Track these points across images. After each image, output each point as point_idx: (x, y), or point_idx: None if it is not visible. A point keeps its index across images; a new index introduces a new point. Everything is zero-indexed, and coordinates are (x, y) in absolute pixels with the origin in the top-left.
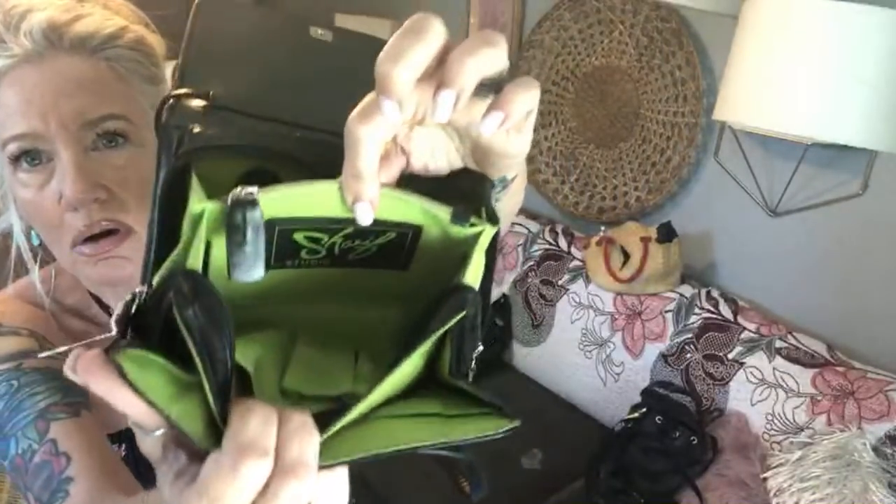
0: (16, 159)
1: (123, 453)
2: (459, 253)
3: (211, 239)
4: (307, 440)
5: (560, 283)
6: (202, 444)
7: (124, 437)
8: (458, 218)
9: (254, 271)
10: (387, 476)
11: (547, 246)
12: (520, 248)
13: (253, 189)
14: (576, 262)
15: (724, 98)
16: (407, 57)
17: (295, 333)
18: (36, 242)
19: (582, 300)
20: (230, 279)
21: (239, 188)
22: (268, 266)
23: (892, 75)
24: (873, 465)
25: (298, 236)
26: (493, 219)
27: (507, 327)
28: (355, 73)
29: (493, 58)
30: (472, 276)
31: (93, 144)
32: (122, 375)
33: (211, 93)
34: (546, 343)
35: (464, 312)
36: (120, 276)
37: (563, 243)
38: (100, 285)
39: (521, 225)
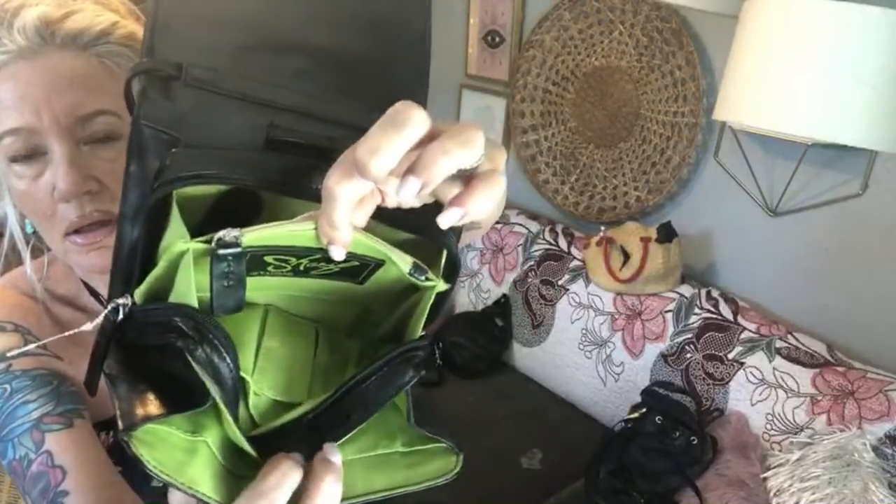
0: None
1: (111, 440)
2: (413, 284)
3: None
4: (337, 454)
5: (560, 283)
6: (214, 499)
7: (112, 425)
8: (415, 272)
9: (236, 306)
10: None
11: (547, 246)
12: (520, 248)
13: (236, 233)
14: (576, 262)
15: (724, 98)
16: (384, 151)
17: (265, 313)
18: (30, 230)
19: (582, 300)
20: (212, 313)
21: (223, 231)
22: None
23: (892, 75)
24: (873, 465)
25: (269, 258)
26: (452, 262)
27: (507, 327)
28: (334, 6)
29: (465, 158)
30: (421, 323)
31: (85, 139)
32: (140, 463)
33: (184, 66)
34: (546, 343)
35: (421, 373)
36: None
37: (563, 243)
38: (91, 273)
39: (521, 225)
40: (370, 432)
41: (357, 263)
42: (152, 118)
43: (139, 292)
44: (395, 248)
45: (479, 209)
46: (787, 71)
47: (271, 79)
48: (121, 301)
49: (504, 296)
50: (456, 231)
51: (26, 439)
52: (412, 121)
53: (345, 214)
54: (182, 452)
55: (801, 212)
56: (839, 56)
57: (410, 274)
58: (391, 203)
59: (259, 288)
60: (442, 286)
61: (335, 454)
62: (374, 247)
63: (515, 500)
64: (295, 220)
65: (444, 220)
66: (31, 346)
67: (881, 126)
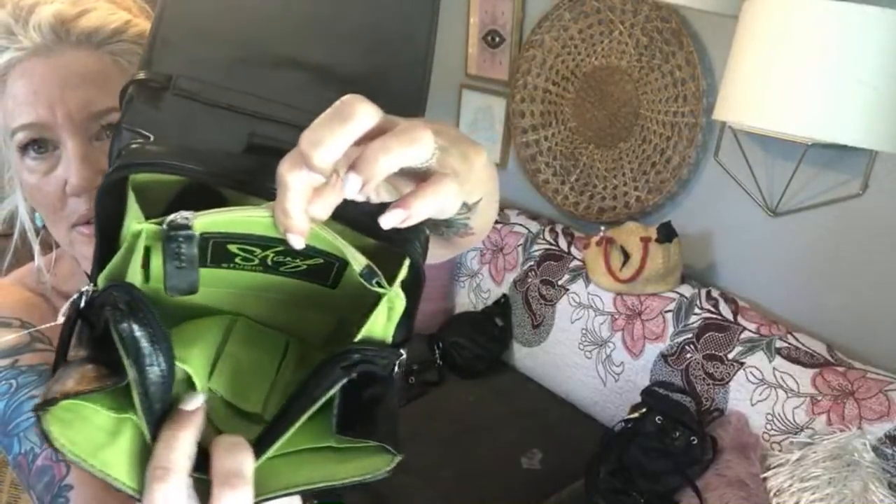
0: (24, 147)
1: None
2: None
3: (152, 248)
4: (239, 456)
5: (560, 283)
6: (129, 487)
7: None
8: (366, 277)
9: (189, 288)
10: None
11: (547, 246)
12: (520, 248)
13: (188, 215)
14: (576, 262)
15: (724, 98)
16: (326, 144)
17: (233, 322)
18: (39, 224)
19: (582, 300)
20: (167, 294)
21: (175, 214)
22: (203, 266)
23: (892, 75)
24: (873, 465)
25: (232, 248)
26: (416, 274)
27: (507, 327)
28: (327, 17)
29: (408, 156)
30: (373, 330)
31: (97, 135)
32: (48, 440)
33: (173, 77)
34: (546, 343)
35: (346, 378)
36: None
37: (563, 243)
38: None
39: (521, 225)
40: (303, 429)
41: (322, 261)
42: (135, 123)
43: (101, 277)
44: (357, 251)
45: (424, 212)
46: (787, 71)
47: (264, 92)
48: (83, 288)
49: (504, 296)
50: (422, 241)
51: (31, 434)
52: (357, 115)
53: (296, 202)
54: (104, 433)
55: (801, 212)
56: (839, 56)
57: (361, 275)
58: (359, 195)
59: (232, 284)
60: (394, 295)
61: (243, 466)
62: (332, 242)
63: (515, 500)
64: (251, 207)
65: (385, 221)
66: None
67: (881, 126)
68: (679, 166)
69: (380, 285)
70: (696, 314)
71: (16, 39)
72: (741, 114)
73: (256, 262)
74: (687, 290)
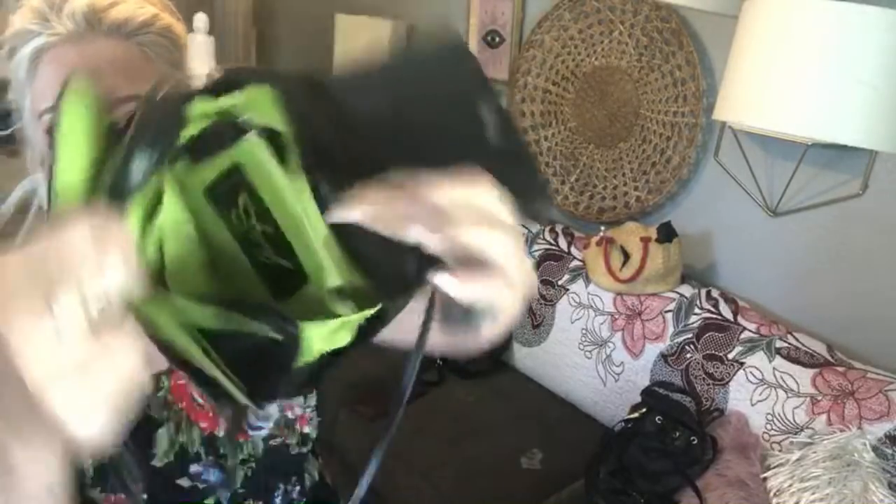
0: (50, 129)
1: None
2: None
3: (163, 239)
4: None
5: (560, 283)
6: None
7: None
8: (337, 293)
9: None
10: (386, 476)
11: (547, 246)
12: None
13: (253, 128)
14: (576, 262)
15: (724, 98)
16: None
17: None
18: None
19: (582, 300)
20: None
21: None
22: (211, 202)
23: (892, 75)
24: (873, 465)
25: (240, 199)
26: (380, 319)
27: None
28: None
29: (494, 246)
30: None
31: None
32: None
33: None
34: (546, 343)
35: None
36: None
37: (563, 243)
38: None
39: (520, 225)
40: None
41: (290, 267)
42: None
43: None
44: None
45: (472, 296)
46: (787, 71)
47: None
48: None
49: None
50: (406, 300)
51: None
52: (501, 218)
53: (374, 197)
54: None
55: (801, 212)
56: (839, 56)
57: (337, 289)
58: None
59: (209, 230)
60: (353, 321)
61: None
62: (320, 251)
63: (515, 500)
64: (297, 187)
65: (439, 281)
66: None
67: (881, 126)
68: (679, 166)
69: (344, 306)
70: (696, 314)
71: (49, 26)
72: (741, 114)
73: (244, 229)
74: (687, 290)
